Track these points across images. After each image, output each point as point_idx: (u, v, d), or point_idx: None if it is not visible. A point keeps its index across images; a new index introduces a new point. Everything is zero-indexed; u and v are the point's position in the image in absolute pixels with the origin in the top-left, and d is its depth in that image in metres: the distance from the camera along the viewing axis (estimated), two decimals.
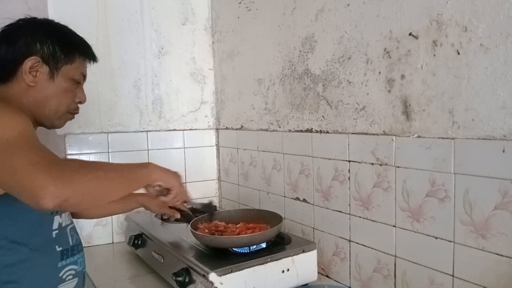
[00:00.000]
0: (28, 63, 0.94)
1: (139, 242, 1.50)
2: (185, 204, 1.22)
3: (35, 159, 0.77)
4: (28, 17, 1.01)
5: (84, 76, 1.08)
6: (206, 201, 1.34)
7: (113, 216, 1.72)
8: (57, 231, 0.98)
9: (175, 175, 1.06)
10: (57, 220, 0.98)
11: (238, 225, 1.30)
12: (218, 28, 1.98)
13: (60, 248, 0.98)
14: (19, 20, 0.99)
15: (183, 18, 1.96)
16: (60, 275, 0.97)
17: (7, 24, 0.99)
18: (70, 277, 1.00)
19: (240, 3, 1.77)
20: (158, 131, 1.91)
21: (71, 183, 0.77)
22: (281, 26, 1.51)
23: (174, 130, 1.96)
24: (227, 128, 1.97)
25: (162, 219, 1.53)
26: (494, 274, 0.88)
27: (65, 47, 1.00)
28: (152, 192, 1.10)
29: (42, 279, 0.94)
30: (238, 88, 1.85)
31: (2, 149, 0.78)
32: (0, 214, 0.87)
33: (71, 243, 1.02)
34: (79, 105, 1.08)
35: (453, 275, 0.96)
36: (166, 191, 1.07)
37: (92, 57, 1.09)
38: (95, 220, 1.71)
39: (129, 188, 0.94)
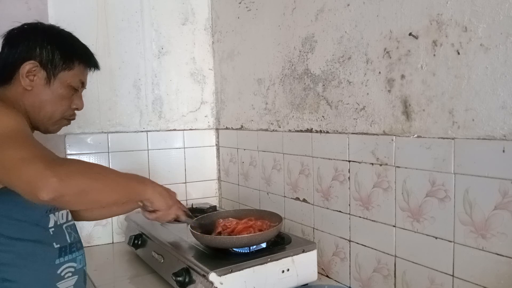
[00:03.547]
0: (26, 67, 0.96)
1: (139, 242, 1.50)
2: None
3: (33, 153, 0.79)
4: (35, 21, 1.02)
5: (83, 84, 1.09)
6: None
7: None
8: (53, 229, 0.98)
9: (168, 199, 1.04)
10: (52, 218, 0.99)
11: (243, 221, 1.30)
12: (218, 28, 1.98)
13: (58, 245, 0.98)
14: (24, 24, 1.00)
15: (183, 18, 1.96)
16: (58, 272, 0.97)
17: (12, 27, 1.00)
18: (69, 274, 1.00)
19: (240, 3, 1.77)
20: (158, 131, 1.91)
21: (69, 180, 0.79)
22: (281, 26, 1.51)
23: (174, 130, 1.96)
24: (227, 128, 1.97)
25: None
26: (494, 274, 0.88)
27: (64, 54, 1.01)
28: (139, 206, 1.09)
29: (40, 276, 0.94)
30: (238, 88, 1.85)
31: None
32: None
33: (69, 241, 1.02)
34: (76, 111, 1.09)
35: (453, 275, 0.96)
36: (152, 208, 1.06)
37: (94, 65, 1.09)
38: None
39: (121, 198, 0.96)
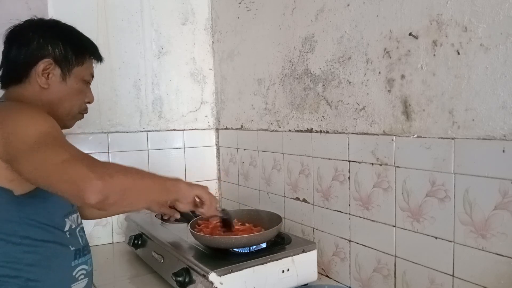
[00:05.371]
0: (41, 65, 0.96)
1: (139, 242, 1.50)
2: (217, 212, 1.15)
3: (73, 155, 0.80)
4: (35, 18, 1.01)
5: (93, 76, 1.10)
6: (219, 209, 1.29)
7: (113, 216, 1.72)
8: (68, 232, 1.00)
9: (202, 187, 1.04)
10: (68, 222, 1.00)
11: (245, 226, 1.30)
12: (218, 28, 1.98)
13: (74, 248, 1.00)
14: (26, 21, 1.00)
15: (183, 18, 1.96)
16: (74, 274, 0.99)
17: (14, 25, 0.99)
18: (82, 276, 1.01)
19: (240, 3, 1.77)
20: (158, 131, 1.91)
21: (111, 180, 0.78)
22: (281, 26, 1.51)
23: (174, 130, 1.96)
24: (227, 128, 1.97)
25: (162, 219, 1.53)
26: (494, 274, 0.88)
27: (76, 49, 1.02)
28: (183, 208, 1.04)
29: (60, 277, 0.96)
30: (238, 88, 1.85)
31: (37, 147, 0.79)
32: (23, 214, 0.89)
33: (81, 244, 1.03)
34: (87, 105, 1.10)
35: (453, 275, 0.96)
36: (200, 203, 1.04)
37: (99, 58, 1.11)
38: (95, 220, 1.71)
39: (159, 197, 0.98)
